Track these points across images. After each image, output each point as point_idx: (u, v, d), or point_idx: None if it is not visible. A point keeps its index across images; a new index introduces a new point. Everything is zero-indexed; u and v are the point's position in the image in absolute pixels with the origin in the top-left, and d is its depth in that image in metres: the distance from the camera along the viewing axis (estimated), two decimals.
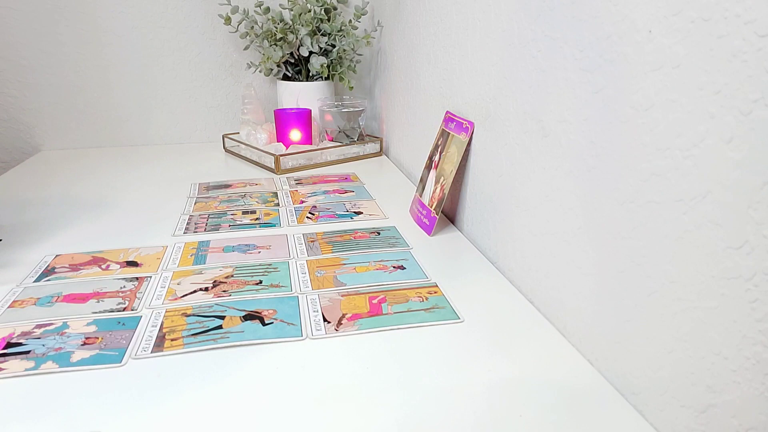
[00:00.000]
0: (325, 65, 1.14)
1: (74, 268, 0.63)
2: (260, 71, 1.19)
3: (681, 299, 0.37)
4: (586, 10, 0.45)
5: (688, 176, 0.35)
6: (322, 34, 1.13)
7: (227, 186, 0.95)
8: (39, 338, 0.49)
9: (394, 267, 0.64)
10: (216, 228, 0.76)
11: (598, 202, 0.45)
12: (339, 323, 0.52)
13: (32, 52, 1.14)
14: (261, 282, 0.60)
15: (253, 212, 0.82)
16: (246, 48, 1.19)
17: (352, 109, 1.12)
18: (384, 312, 0.54)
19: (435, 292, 0.58)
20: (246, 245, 0.70)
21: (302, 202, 0.87)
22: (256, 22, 1.14)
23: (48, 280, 0.61)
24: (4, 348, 0.48)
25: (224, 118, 1.30)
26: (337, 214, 0.81)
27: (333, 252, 0.68)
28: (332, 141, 1.14)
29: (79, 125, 1.21)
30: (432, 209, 0.74)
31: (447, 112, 0.79)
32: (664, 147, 0.37)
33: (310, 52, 1.13)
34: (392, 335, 0.51)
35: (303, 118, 1.09)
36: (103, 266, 0.64)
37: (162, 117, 1.26)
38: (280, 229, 0.76)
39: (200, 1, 1.20)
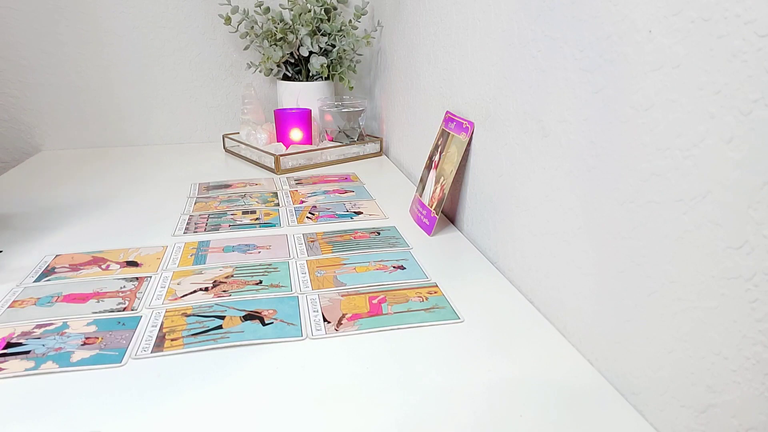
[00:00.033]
0: (325, 65, 1.14)
1: (74, 268, 0.63)
2: (260, 71, 1.19)
3: (681, 299, 0.37)
4: (586, 10, 0.45)
5: (688, 176, 0.35)
6: (322, 34, 1.13)
7: (227, 186, 0.95)
8: (39, 338, 0.49)
9: (394, 267, 0.64)
10: (216, 228, 0.76)
11: (598, 202, 0.45)
12: (339, 323, 0.52)
13: (33, 52, 1.14)
14: (261, 282, 0.60)
15: (253, 212, 0.82)
16: (246, 48, 1.19)
17: (352, 109, 1.12)
18: (384, 312, 0.54)
19: (435, 292, 0.58)
20: (246, 245, 0.70)
21: (302, 202, 0.87)
22: (256, 22, 1.14)
23: (48, 280, 0.61)
24: (4, 348, 0.48)
25: (224, 118, 1.30)
26: (337, 214, 0.81)
27: (333, 252, 0.68)
28: (332, 141, 1.14)
29: (79, 125, 1.21)
30: (432, 209, 0.74)
31: (447, 112, 0.79)
32: (664, 147, 0.37)
33: (310, 52, 1.13)
34: (392, 335, 0.51)
35: (303, 118, 1.09)
36: (103, 266, 0.64)
37: (162, 117, 1.26)
38: (280, 229, 0.76)
39: (200, 1, 1.20)
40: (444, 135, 0.77)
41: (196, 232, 0.74)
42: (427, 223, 0.74)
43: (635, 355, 0.41)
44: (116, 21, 1.16)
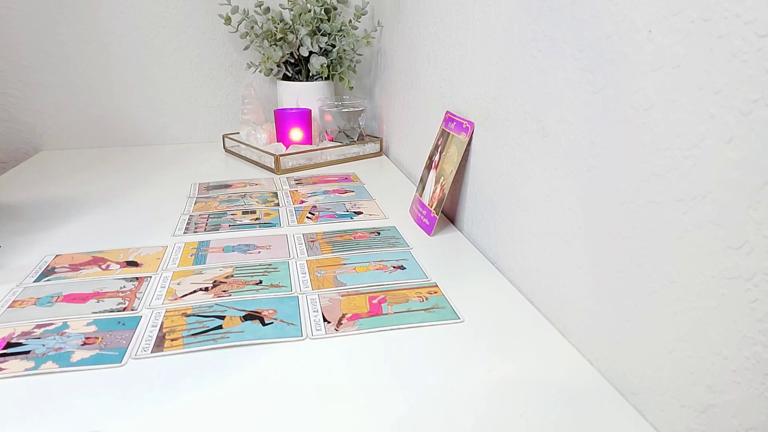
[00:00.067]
0: (325, 65, 1.14)
1: (74, 268, 0.63)
2: (260, 71, 1.19)
3: (681, 299, 0.37)
4: (586, 10, 0.45)
5: (688, 176, 0.35)
6: (322, 34, 1.13)
7: (227, 186, 0.95)
8: (39, 338, 0.49)
9: (394, 267, 0.64)
10: (216, 228, 0.76)
11: (598, 202, 0.45)
12: (339, 323, 0.52)
13: (33, 52, 1.14)
14: (261, 282, 0.60)
15: (253, 212, 0.82)
16: (246, 48, 1.19)
17: (352, 109, 1.12)
18: (384, 312, 0.54)
19: (435, 292, 0.58)
20: (246, 245, 0.70)
21: (302, 202, 0.87)
22: (256, 22, 1.14)
23: (48, 280, 0.61)
24: (4, 348, 0.48)
25: (224, 118, 1.30)
26: (337, 214, 0.81)
27: (333, 252, 0.68)
28: (332, 141, 1.14)
29: (79, 125, 1.21)
30: (432, 209, 0.74)
31: (447, 112, 0.79)
32: (664, 147, 0.37)
33: (310, 52, 1.13)
34: (392, 335, 0.51)
35: (303, 118, 1.09)
36: (103, 266, 0.64)
37: (162, 117, 1.26)
38: (280, 229, 0.76)
39: (200, 1, 1.20)
40: (444, 135, 0.77)
41: (196, 232, 0.74)
42: (427, 223, 0.74)
43: (635, 355, 0.41)
44: (116, 21, 1.16)
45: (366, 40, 1.16)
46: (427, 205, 0.76)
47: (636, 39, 0.39)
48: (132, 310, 0.54)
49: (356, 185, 0.96)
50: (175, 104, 1.26)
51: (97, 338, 0.50)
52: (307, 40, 1.11)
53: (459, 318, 0.53)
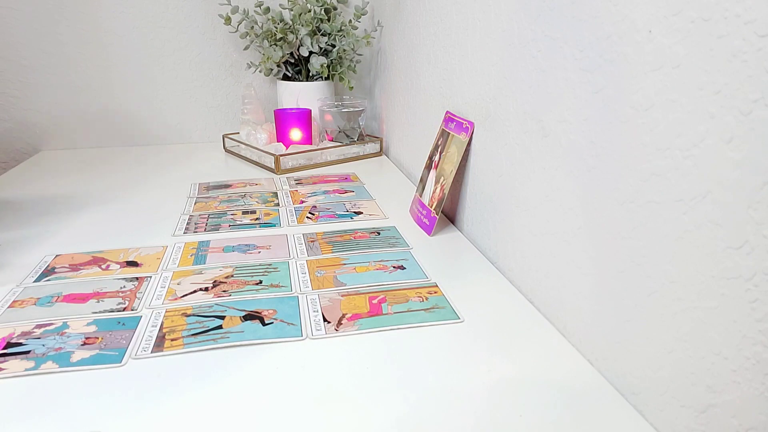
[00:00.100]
0: (325, 65, 1.14)
1: (74, 268, 0.63)
2: (260, 71, 1.19)
3: (681, 299, 0.37)
4: (586, 10, 0.45)
5: (688, 176, 0.35)
6: (322, 34, 1.13)
7: (227, 186, 0.95)
8: (39, 338, 0.49)
9: (394, 267, 0.64)
10: (216, 228, 0.76)
11: (598, 202, 0.45)
12: (339, 323, 0.52)
13: (33, 52, 1.14)
14: (261, 282, 0.60)
15: (253, 212, 0.82)
16: (246, 48, 1.19)
17: (352, 109, 1.12)
18: (384, 312, 0.54)
19: (435, 292, 0.58)
20: (246, 245, 0.70)
21: (302, 202, 0.87)
22: (256, 22, 1.14)
23: (48, 280, 0.61)
24: (4, 348, 0.48)
25: (224, 118, 1.30)
26: (337, 214, 0.81)
27: (333, 252, 0.68)
28: (332, 141, 1.14)
29: (79, 125, 1.21)
30: (432, 209, 0.74)
31: (447, 112, 0.79)
32: (664, 147, 0.37)
33: (310, 52, 1.13)
34: (392, 335, 0.51)
35: (303, 118, 1.09)
36: (103, 266, 0.64)
37: (162, 117, 1.26)
38: (280, 229, 0.76)
39: (200, 1, 1.20)
40: (444, 135, 0.77)
41: (196, 232, 0.74)
42: (427, 223, 0.74)
43: (635, 355, 0.41)
44: (116, 21, 1.16)
45: (366, 40, 1.16)
46: (427, 205, 0.76)
47: (636, 39, 0.39)
48: (132, 310, 0.54)
49: (356, 185, 0.96)
50: (175, 104, 1.26)
51: (97, 338, 0.50)
52: (307, 40, 1.11)
53: (459, 318, 0.53)
